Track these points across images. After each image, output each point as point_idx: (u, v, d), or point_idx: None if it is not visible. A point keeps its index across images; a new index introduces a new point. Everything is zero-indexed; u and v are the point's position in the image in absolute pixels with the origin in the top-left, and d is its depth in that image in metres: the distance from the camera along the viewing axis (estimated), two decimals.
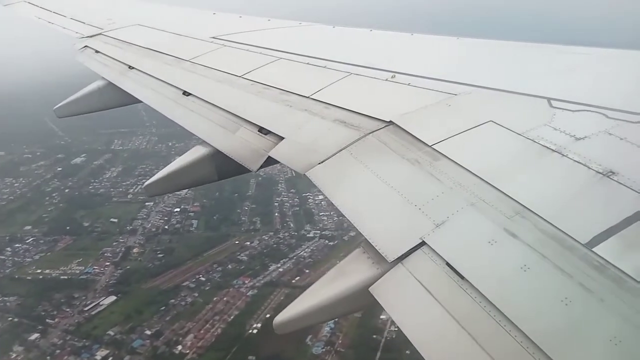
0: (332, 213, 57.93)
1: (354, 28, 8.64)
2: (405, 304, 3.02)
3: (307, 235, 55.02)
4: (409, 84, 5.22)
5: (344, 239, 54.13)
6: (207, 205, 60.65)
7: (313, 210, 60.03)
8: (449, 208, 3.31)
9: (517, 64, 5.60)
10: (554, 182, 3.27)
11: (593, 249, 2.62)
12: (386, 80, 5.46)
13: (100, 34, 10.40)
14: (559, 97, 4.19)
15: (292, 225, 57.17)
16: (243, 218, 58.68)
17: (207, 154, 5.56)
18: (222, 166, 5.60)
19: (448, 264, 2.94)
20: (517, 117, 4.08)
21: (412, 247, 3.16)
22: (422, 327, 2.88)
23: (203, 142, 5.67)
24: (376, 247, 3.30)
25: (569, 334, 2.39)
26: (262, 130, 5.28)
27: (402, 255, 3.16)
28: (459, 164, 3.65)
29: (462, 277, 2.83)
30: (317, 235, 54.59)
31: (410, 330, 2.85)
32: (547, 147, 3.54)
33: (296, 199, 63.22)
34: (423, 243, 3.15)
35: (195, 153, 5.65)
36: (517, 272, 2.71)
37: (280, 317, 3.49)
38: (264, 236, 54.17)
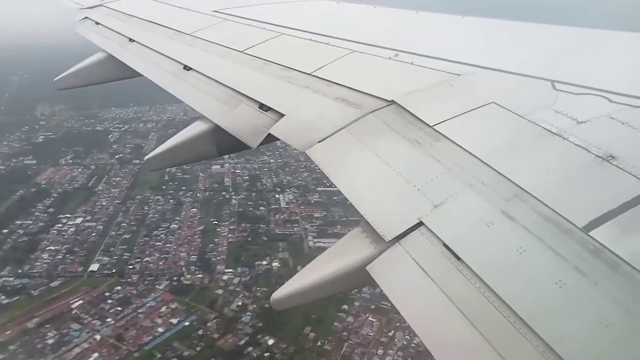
0: (62, 248, 48.55)
1: (358, 4, 8.51)
2: (402, 283, 3.05)
3: None
4: (412, 63, 5.17)
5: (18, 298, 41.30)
6: None
7: (44, 243, 49.19)
8: (447, 189, 3.31)
9: (522, 45, 5.52)
10: (553, 166, 3.26)
11: (589, 233, 2.64)
12: (389, 58, 5.40)
13: (100, 5, 10.27)
14: (562, 79, 4.15)
15: None
16: None
17: (207, 129, 5.54)
18: (222, 142, 5.59)
19: (445, 245, 2.96)
20: (520, 99, 4.05)
21: (409, 227, 3.18)
22: (417, 307, 2.92)
23: (203, 118, 5.64)
24: (374, 227, 3.32)
25: (560, 315, 2.42)
26: (262, 106, 5.25)
27: (400, 235, 3.18)
28: (459, 145, 3.64)
29: (458, 258, 2.86)
30: None
31: (405, 309, 2.89)
32: (548, 130, 3.52)
33: (42, 223, 52.65)
34: (421, 223, 3.17)
35: (196, 128, 5.63)
36: (513, 254, 2.73)
37: (278, 294, 3.53)
38: None
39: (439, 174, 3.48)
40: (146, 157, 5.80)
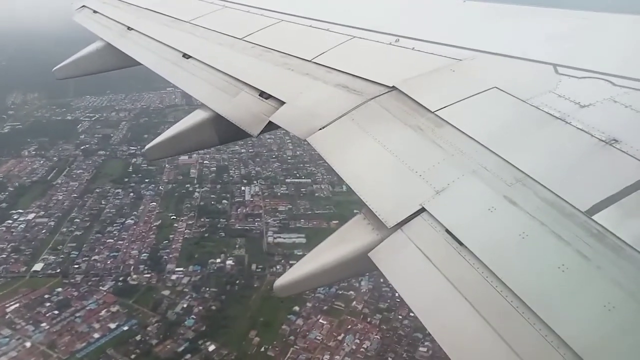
0: (7, 246, 44.13)
1: None
2: (404, 270, 3.05)
3: None
4: (413, 49, 5.12)
5: None
6: None
7: None
8: (450, 175, 3.30)
9: (524, 29, 5.47)
10: (556, 150, 3.25)
11: (592, 217, 2.63)
12: (390, 44, 5.36)
13: None
14: (565, 63, 4.11)
15: None
16: None
17: (207, 118, 5.52)
18: (222, 131, 5.57)
19: (447, 231, 2.96)
20: (522, 83, 4.01)
21: (412, 213, 3.18)
22: (420, 292, 2.93)
23: (204, 106, 5.62)
24: (376, 213, 3.32)
25: (563, 300, 2.42)
26: (262, 94, 5.22)
27: (402, 221, 3.17)
28: (461, 131, 3.62)
29: (460, 244, 2.86)
30: None
31: (408, 295, 2.90)
32: (551, 115, 3.50)
33: None
34: (423, 209, 3.16)
35: (196, 117, 5.61)
36: (516, 239, 2.73)
37: (280, 281, 3.54)
38: None
39: (441, 159, 3.46)
40: (146, 147, 5.78)
